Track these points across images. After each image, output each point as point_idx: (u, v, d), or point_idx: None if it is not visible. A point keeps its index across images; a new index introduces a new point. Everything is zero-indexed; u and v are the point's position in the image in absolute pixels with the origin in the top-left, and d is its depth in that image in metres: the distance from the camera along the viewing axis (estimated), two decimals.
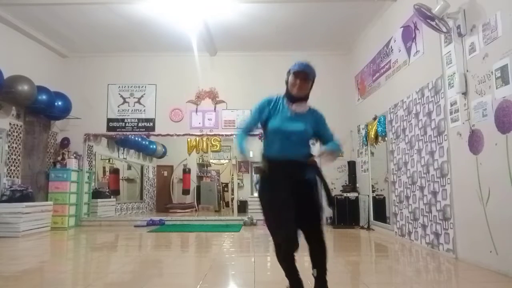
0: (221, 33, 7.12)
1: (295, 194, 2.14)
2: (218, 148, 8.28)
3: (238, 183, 10.94)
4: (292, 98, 2.28)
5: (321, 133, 2.35)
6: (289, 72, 2.32)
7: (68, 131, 7.94)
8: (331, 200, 2.35)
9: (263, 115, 2.30)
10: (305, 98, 2.31)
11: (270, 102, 2.34)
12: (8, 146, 6.43)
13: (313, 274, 2.33)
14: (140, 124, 8.07)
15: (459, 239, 3.85)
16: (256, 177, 12.79)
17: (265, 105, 2.33)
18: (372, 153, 6.80)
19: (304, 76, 2.25)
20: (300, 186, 2.18)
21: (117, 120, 8.09)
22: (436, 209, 4.30)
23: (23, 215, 5.93)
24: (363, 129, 6.99)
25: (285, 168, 2.18)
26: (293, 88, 2.26)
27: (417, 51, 4.86)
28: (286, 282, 2.32)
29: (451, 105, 3.98)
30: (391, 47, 5.72)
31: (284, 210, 2.10)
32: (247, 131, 2.37)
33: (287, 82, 2.33)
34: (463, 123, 3.74)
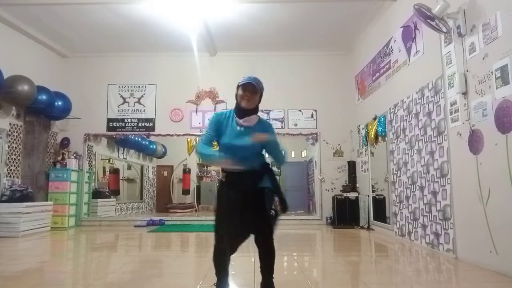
0: (221, 33, 7.12)
1: (247, 202, 2.28)
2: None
3: None
4: (241, 111, 2.38)
5: (268, 147, 2.42)
6: (238, 87, 2.41)
7: (68, 131, 7.94)
8: (285, 206, 2.43)
9: (218, 131, 2.41)
10: (253, 111, 2.41)
11: (221, 118, 2.44)
12: (8, 146, 6.43)
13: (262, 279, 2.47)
14: (140, 124, 8.08)
15: (459, 239, 3.85)
16: None
17: (216, 121, 2.43)
18: (372, 153, 6.80)
19: (251, 88, 2.34)
20: (253, 194, 2.31)
21: (117, 120, 8.09)
22: (436, 209, 4.30)
23: (23, 215, 5.94)
24: (363, 129, 6.99)
25: (240, 177, 2.32)
26: (242, 100, 2.35)
27: (417, 51, 4.86)
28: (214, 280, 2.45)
29: (451, 105, 3.98)
30: (391, 47, 5.72)
31: (228, 223, 2.29)
32: (209, 144, 2.45)
33: (236, 97, 2.41)
34: (463, 123, 3.74)
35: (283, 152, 2.44)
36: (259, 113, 2.49)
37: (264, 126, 2.43)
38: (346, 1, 6.05)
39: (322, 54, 8.05)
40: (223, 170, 2.42)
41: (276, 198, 2.39)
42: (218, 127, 2.40)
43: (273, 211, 2.38)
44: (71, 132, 7.92)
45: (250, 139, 2.29)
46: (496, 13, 3.24)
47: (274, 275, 2.43)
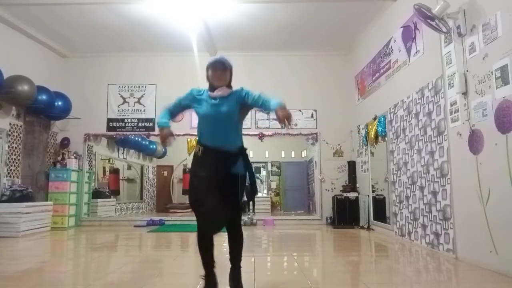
0: (221, 33, 7.12)
1: (220, 183, 2.28)
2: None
3: None
4: (213, 88, 2.49)
5: (248, 100, 2.45)
6: (207, 69, 2.53)
7: (68, 131, 7.94)
8: (254, 190, 2.49)
9: (187, 100, 2.55)
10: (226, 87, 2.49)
11: (195, 92, 2.57)
12: (8, 146, 6.43)
13: (231, 268, 2.51)
14: (140, 124, 8.08)
15: (459, 239, 3.85)
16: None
17: (190, 93, 2.56)
18: (372, 153, 6.80)
19: (221, 66, 2.49)
20: (226, 176, 2.32)
21: (117, 120, 8.09)
22: (436, 209, 4.30)
23: (23, 215, 5.94)
24: (363, 129, 6.99)
25: (215, 157, 2.33)
26: (214, 79, 2.49)
27: (417, 51, 4.86)
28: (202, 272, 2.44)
29: (451, 105, 3.98)
30: (391, 47, 5.72)
31: (207, 196, 2.26)
32: (169, 110, 2.59)
33: (208, 78, 2.54)
34: (463, 123, 3.74)
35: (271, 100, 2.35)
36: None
37: (236, 94, 2.47)
38: (346, 1, 6.05)
39: (322, 54, 8.05)
40: (198, 143, 2.45)
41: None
42: (190, 99, 2.53)
43: (244, 198, 2.44)
44: (71, 132, 7.92)
45: (226, 107, 2.37)
46: (496, 13, 3.24)
47: (241, 264, 2.48)
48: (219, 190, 2.26)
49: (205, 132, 2.42)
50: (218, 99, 2.43)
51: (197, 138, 2.49)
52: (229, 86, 2.52)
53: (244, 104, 2.45)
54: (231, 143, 2.39)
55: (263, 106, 2.39)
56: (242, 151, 2.43)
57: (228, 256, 2.53)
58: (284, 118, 2.14)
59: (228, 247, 2.49)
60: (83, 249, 5.31)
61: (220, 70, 2.45)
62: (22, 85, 6.23)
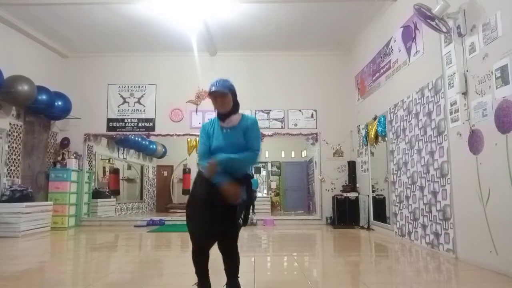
0: (221, 33, 7.12)
1: (218, 206, 2.26)
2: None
3: None
4: (222, 115, 2.44)
5: (246, 138, 2.41)
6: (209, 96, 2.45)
7: (68, 131, 7.94)
8: (245, 219, 2.48)
9: (209, 139, 2.45)
10: (233, 112, 2.44)
11: (207, 127, 2.49)
12: (8, 146, 6.43)
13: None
14: (140, 124, 8.08)
15: (459, 239, 3.85)
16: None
17: (205, 131, 2.49)
18: (372, 153, 6.80)
19: (218, 94, 2.39)
20: (227, 206, 2.28)
21: (117, 120, 8.09)
22: (436, 209, 4.30)
23: (23, 215, 5.94)
24: (363, 129, 6.99)
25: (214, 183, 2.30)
26: (217, 107, 2.43)
27: (417, 51, 4.86)
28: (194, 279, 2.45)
29: (451, 105, 3.98)
30: (391, 47, 5.72)
31: (201, 216, 2.26)
32: (205, 153, 2.46)
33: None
34: (463, 123, 3.74)
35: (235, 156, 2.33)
36: (247, 111, 2.52)
37: (245, 124, 2.41)
38: (346, 1, 6.05)
39: (322, 54, 8.05)
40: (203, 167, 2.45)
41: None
42: (207, 135, 2.45)
43: (240, 220, 2.42)
44: (71, 132, 7.92)
45: (236, 137, 2.34)
46: (496, 13, 3.24)
47: (239, 275, 2.46)
48: (215, 211, 2.26)
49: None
50: (229, 129, 2.40)
51: (200, 164, 2.46)
52: (235, 107, 2.46)
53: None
54: (239, 171, 2.37)
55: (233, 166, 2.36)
56: (247, 179, 2.43)
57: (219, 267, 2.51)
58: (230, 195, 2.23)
59: (223, 262, 2.45)
60: (83, 249, 5.31)
61: (219, 97, 2.39)
62: (22, 85, 6.23)
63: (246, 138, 2.38)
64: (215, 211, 2.25)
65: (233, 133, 2.38)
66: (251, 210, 10.27)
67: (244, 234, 6.29)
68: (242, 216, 2.42)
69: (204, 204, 2.27)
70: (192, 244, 2.35)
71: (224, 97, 2.39)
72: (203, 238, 2.30)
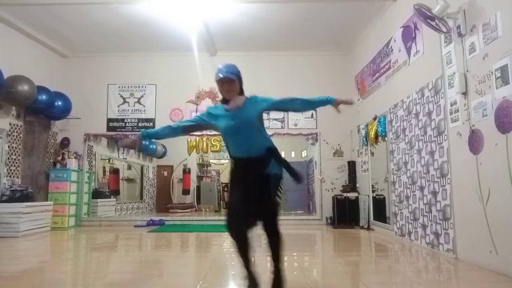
0: (221, 33, 7.12)
1: (253, 190, 2.28)
2: (218, 148, 8.29)
3: None
4: (227, 101, 2.49)
5: (270, 105, 2.46)
6: (217, 82, 2.48)
7: (68, 131, 7.94)
8: (297, 177, 2.44)
9: (205, 118, 2.53)
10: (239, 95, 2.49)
11: (211, 109, 2.56)
12: (8, 146, 6.43)
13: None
14: (140, 124, 8.07)
15: (459, 239, 3.85)
16: None
17: (207, 112, 2.55)
18: (372, 153, 6.80)
19: (225, 80, 2.42)
20: (259, 182, 2.31)
21: (117, 120, 8.09)
22: (436, 209, 4.30)
23: (23, 215, 5.93)
24: (363, 129, 6.99)
25: (245, 166, 2.36)
26: (223, 93, 2.48)
27: (417, 51, 4.86)
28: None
29: (451, 105, 3.98)
30: (391, 47, 5.72)
31: (237, 209, 2.30)
32: (183, 124, 2.58)
33: (220, 91, 2.52)
34: (463, 123, 3.74)
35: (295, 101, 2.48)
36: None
37: (252, 101, 2.46)
38: (346, 1, 6.05)
39: (322, 54, 8.04)
40: (230, 157, 2.49)
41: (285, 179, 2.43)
42: (208, 116, 2.51)
43: (278, 198, 2.40)
44: (71, 132, 7.92)
45: (245, 115, 2.37)
46: (496, 13, 3.24)
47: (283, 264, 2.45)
48: (251, 194, 2.27)
49: (231, 144, 2.44)
50: (235, 110, 2.43)
51: (228, 153, 2.52)
52: (241, 93, 2.51)
53: (265, 109, 2.47)
54: (258, 147, 2.38)
55: (306, 106, 2.55)
56: (272, 151, 2.41)
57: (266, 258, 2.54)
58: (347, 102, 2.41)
59: (268, 247, 2.46)
60: (83, 249, 5.31)
61: (226, 83, 2.42)
62: (22, 85, 6.23)
63: (267, 103, 2.44)
64: (253, 192, 2.27)
65: (241, 112, 2.40)
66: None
67: None
68: (279, 193, 2.40)
69: (243, 187, 2.32)
70: (230, 233, 2.34)
71: (232, 83, 2.43)
72: (239, 216, 2.29)
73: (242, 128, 2.36)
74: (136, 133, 8.16)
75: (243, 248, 2.36)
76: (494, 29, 3.26)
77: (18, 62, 6.62)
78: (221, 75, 2.39)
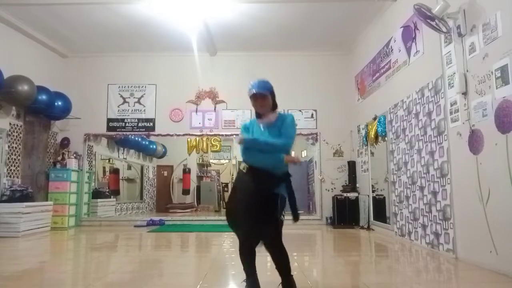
0: (221, 33, 7.12)
1: (259, 202, 2.32)
2: (218, 148, 8.29)
3: None
4: (261, 115, 2.55)
5: (281, 130, 2.51)
6: (249, 97, 2.53)
7: (68, 131, 7.94)
8: (296, 216, 2.48)
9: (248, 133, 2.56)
10: (272, 110, 2.55)
11: (247, 127, 2.61)
12: (8, 146, 6.43)
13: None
14: (140, 124, 8.08)
15: (459, 239, 3.85)
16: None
17: (244, 129, 2.61)
18: (372, 153, 6.80)
19: (258, 96, 2.47)
20: (267, 195, 2.35)
21: (117, 120, 8.09)
22: (436, 209, 4.30)
23: (23, 215, 5.93)
24: (363, 129, 6.99)
25: (259, 176, 2.38)
26: (256, 108, 2.54)
27: (417, 51, 4.86)
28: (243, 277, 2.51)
29: (451, 105, 3.98)
30: (391, 47, 5.72)
31: (244, 213, 2.34)
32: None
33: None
34: (463, 123, 3.74)
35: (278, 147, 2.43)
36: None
37: (281, 120, 2.52)
38: (346, 1, 6.05)
39: (322, 54, 8.04)
40: (244, 160, 2.51)
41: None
42: (246, 130, 2.59)
43: (282, 217, 2.43)
44: (71, 132, 7.92)
45: (274, 133, 2.43)
46: (496, 13, 3.24)
47: (292, 273, 2.46)
48: (257, 208, 2.31)
49: (253, 155, 2.44)
50: (267, 126, 2.50)
51: (242, 157, 2.52)
52: (274, 107, 2.57)
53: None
54: (277, 165, 2.41)
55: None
56: (287, 176, 2.46)
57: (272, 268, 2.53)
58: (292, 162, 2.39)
59: (273, 261, 2.46)
60: (83, 249, 5.31)
61: (259, 99, 2.48)
62: (22, 85, 6.23)
63: (282, 129, 2.48)
64: (257, 207, 2.30)
65: (270, 130, 2.47)
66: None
67: None
68: (284, 213, 2.43)
69: (249, 199, 2.34)
70: (238, 239, 2.43)
71: (264, 99, 2.49)
72: (248, 233, 2.37)
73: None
74: (136, 133, 8.25)
75: (251, 256, 2.45)
76: (494, 29, 3.26)
77: (18, 62, 6.62)
78: (254, 91, 2.45)
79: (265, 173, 2.37)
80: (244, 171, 2.46)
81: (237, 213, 2.40)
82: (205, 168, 13.59)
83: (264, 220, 2.33)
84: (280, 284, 2.43)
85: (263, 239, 2.39)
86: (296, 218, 2.47)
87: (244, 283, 2.47)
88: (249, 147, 2.42)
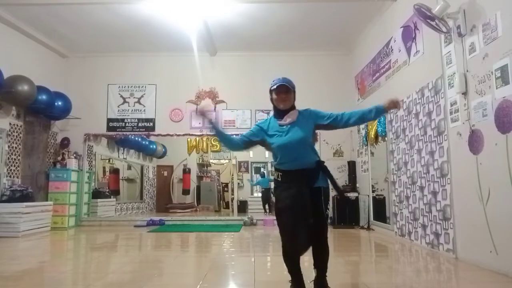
0: (221, 33, 7.12)
1: (304, 200, 2.26)
2: (218, 148, 8.30)
3: (238, 183, 10.95)
4: (280, 113, 2.45)
5: (324, 120, 2.50)
6: (271, 92, 2.46)
7: (68, 131, 7.94)
8: (341, 194, 2.45)
9: (258, 136, 2.48)
10: (292, 109, 2.48)
11: (262, 124, 2.52)
12: (8, 146, 6.43)
13: (316, 275, 2.46)
14: (140, 124, 8.07)
15: (459, 239, 3.85)
16: (255, 176, 12.79)
17: (258, 128, 2.51)
18: (372, 153, 6.80)
19: (284, 89, 2.42)
20: (310, 193, 2.30)
21: (117, 120, 8.09)
22: (436, 209, 4.30)
23: (23, 215, 5.93)
24: (363, 129, 6.99)
25: (295, 176, 2.32)
26: (279, 103, 2.44)
27: (417, 51, 4.86)
28: (288, 277, 2.44)
29: (451, 105, 3.98)
30: (391, 47, 5.72)
31: (292, 220, 2.25)
32: (242, 137, 2.52)
33: (272, 101, 2.49)
34: (463, 123, 3.74)
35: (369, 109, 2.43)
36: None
37: (305, 116, 2.48)
38: (346, 1, 6.05)
39: (322, 54, 8.04)
40: (276, 169, 2.44)
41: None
42: (259, 132, 2.48)
43: (328, 211, 2.42)
44: (71, 132, 7.92)
45: (299, 132, 2.35)
46: (496, 13, 3.24)
47: (327, 273, 2.46)
48: (304, 209, 2.24)
49: (283, 159, 2.38)
50: (289, 125, 2.41)
51: (275, 165, 2.46)
52: (293, 106, 2.51)
53: (319, 124, 2.49)
54: (309, 161, 2.38)
55: (362, 119, 2.48)
56: (320, 165, 2.41)
57: (309, 263, 2.51)
58: (396, 104, 2.34)
59: (312, 257, 2.44)
60: (83, 249, 5.31)
61: (284, 93, 2.42)
62: (22, 85, 6.23)
63: (322, 117, 2.48)
64: (306, 207, 2.24)
65: (295, 128, 2.39)
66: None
67: (244, 234, 6.29)
68: (328, 206, 2.42)
69: (295, 205, 2.25)
70: (283, 248, 2.34)
71: (289, 94, 2.43)
72: (298, 247, 2.30)
73: (296, 144, 2.35)
74: (136, 133, 8.25)
75: (297, 268, 2.38)
76: (494, 29, 3.26)
77: (18, 62, 6.62)
78: (279, 83, 2.40)
79: (301, 171, 2.32)
80: (280, 178, 2.40)
81: (289, 227, 2.28)
82: (205, 168, 13.60)
83: (316, 217, 2.28)
84: (313, 281, 2.43)
85: (313, 235, 2.34)
86: (341, 193, 2.46)
87: (290, 282, 2.44)
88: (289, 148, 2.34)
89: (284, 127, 2.40)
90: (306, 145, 2.39)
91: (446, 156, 4.09)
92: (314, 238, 2.37)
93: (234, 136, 2.59)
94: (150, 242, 5.70)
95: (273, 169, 2.44)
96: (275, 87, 2.41)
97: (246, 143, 2.50)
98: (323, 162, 2.45)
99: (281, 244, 2.33)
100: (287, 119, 2.42)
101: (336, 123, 2.50)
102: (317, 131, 2.57)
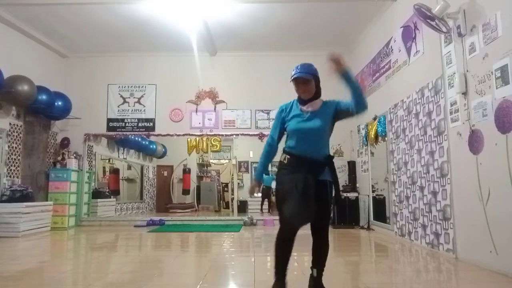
0: (221, 33, 7.12)
1: (307, 188, 2.20)
2: (218, 148, 8.29)
3: (238, 183, 10.93)
4: (303, 101, 2.40)
5: (340, 106, 2.38)
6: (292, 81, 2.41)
7: (68, 131, 7.94)
8: (338, 199, 2.42)
9: (283, 120, 2.44)
10: (315, 97, 2.41)
11: (284, 107, 2.47)
12: (8, 146, 6.43)
13: (311, 274, 2.44)
14: (140, 124, 8.08)
15: (459, 239, 3.85)
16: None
17: (280, 111, 2.47)
18: (372, 153, 6.80)
19: (301, 80, 2.36)
20: (315, 183, 2.24)
21: (117, 120, 8.09)
22: (436, 209, 4.30)
23: (23, 215, 5.93)
24: (363, 129, 6.99)
25: (303, 163, 2.27)
26: (299, 93, 2.40)
27: (417, 51, 4.86)
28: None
29: (451, 105, 3.98)
30: (391, 47, 5.72)
31: (295, 200, 2.17)
32: (273, 141, 2.48)
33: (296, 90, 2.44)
34: (463, 123, 3.74)
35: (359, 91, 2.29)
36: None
37: (328, 106, 2.39)
38: (346, 1, 6.05)
39: (322, 54, 7.87)
40: (285, 151, 2.39)
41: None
42: (283, 117, 2.43)
43: (331, 204, 2.40)
44: (71, 132, 7.92)
45: (318, 122, 2.29)
46: (496, 13, 3.24)
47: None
48: (309, 194, 2.19)
49: (295, 143, 2.35)
50: (310, 113, 2.35)
51: (285, 147, 2.42)
52: (318, 93, 2.43)
53: (338, 114, 2.38)
54: (320, 153, 2.34)
55: (353, 98, 2.31)
56: (329, 160, 2.37)
57: (306, 263, 2.52)
58: (334, 58, 2.21)
59: (311, 252, 2.43)
60: (83, 249, 5.31)
61: (301, 84, 2.36)
62: (22, 85, 6.23)
63: (339, 104, 2.37)
64: (310, 191, 2.19)
65: (315, 118, 2.32)
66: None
67: (244, 234, 6.29)
68: (333, 202, 2.39)
69: (296, 186, 2.18)
70: (281, 227, 2.29)
71: (308, 83, 2.35)
72: (298, 215, 2.22)
73: (313, 133, 2.31)
74: (136, 133, 8.25)
75: (288, 248, 2.32)
76: (494, 29, 3.26)
77: (18, 62, 6.62)
78: (295, 74, 2.34)
79: (309, 160, 2.28)
80: (286, 161, 2.35)
81: (291, 196, 2.20)
82: (205, 168, 13.59)
83: (321, 208, 2.26)
84: (309, 281, 2.43)
85: (315, 225, 2.34)
86: (338, 198, 2.39)
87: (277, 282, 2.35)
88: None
89: (305, 114, 2.35)
90: (321, 136, 2.35)
91: (446, 156, 4.09)
92: (317, 232, 2.37)
93: (265, 153, 2.51)
94: (150, 242, 5.70)
95: (274, 168, 2.40)
96: (293, 77, 2.36)
97: (279, 140, 2.48)
98: (333, 157, 2.41)
99: (279, 226, 2.29)
100: (309, 108, 2.36)
101: (350, 107, 2.36)
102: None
